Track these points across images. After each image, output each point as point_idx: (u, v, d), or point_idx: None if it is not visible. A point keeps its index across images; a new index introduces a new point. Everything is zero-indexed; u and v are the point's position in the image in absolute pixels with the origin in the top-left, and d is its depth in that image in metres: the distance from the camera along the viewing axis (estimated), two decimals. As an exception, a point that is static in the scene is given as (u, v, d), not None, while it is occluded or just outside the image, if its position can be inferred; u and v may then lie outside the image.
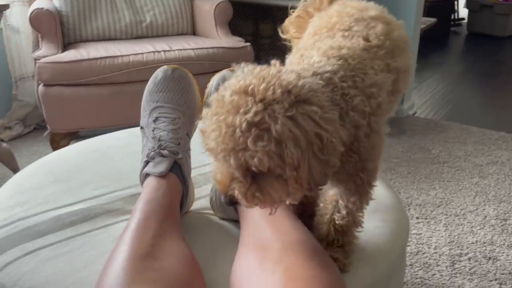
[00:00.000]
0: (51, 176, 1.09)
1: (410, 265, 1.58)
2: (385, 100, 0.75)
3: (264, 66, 0.67)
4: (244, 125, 0.60)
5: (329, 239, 0.82)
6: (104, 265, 0.74)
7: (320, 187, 0.67)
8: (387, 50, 0.79)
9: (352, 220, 0.80)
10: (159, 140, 0.93)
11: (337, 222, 0.80)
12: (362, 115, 0.70)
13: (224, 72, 1.13)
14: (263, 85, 0.62)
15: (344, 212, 0.79)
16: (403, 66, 0.82)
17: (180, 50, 2.29)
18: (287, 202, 0.68)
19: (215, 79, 1.11)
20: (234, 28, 2.72)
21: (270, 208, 0.69)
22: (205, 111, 0.66)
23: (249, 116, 0.60)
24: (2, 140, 2.07)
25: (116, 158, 1.18)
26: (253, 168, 0.62)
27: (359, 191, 0.76)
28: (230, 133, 0.60)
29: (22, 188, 1.05)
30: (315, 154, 0.62)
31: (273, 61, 0.69)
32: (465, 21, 5.97)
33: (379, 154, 0.76)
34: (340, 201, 0.80)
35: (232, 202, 0.67)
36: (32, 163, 1.18)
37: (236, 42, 2.49)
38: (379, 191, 1.05)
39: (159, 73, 1.04)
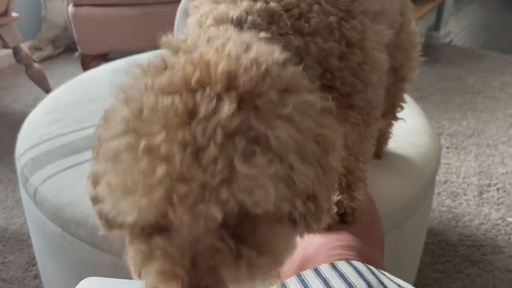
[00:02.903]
0: (86, 95, 1.11)
1: (438, 193, 1.58)
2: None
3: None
4: (219, 133, 0.35)
5: None
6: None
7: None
8: None
9: (355, 157, 0.61)
10: None
11: None
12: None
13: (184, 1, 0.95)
14: (224, 64, 0.37)
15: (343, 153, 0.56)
16: None
17: (210, -30, 2.22)
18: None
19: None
20: None
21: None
22: (108, 143, 0.38)
23: (224, 116, 0.35)
24: (34, 61, 2.09)
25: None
26: (247, 214, 0.37)
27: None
28: (192, 155, 0.34)
29: (58, 106, 1.07)
30: (322, 168, 0.42)
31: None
32: None
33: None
34: None
35: None
36: (67, 83, 1.19)
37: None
38: (412, 117, 1.03)
39: (191, -10, 1.01)
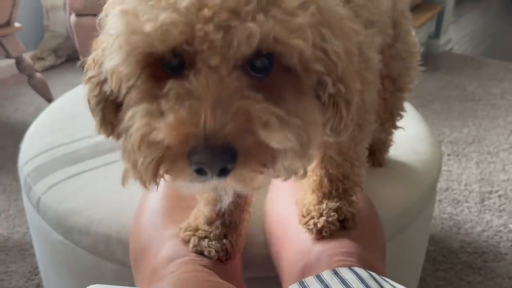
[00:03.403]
0: (88, 104, 1.11)
1: (439, 200, 1.58)
2: None
3: None
4: None
5: (325, 191, 0.62)
6: (142, 195, 0.76)
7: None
8: None
9: (350, 163, 0.60)
10: None
11: (330, 171, 0.61)
12: None
13: None
14: None
15: (338, 159, 0.59)
16: None
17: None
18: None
19: None
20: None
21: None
22: None
23: None
24: (36, 71, 2.10)
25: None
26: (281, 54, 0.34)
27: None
28: None
29: (60, 115, 1.08)
30: (349, 57, 0.40)
31: None
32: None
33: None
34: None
35: (232, 155, 0.33)
36: (69, 92, 1.20)
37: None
38: (412, 124, 1.04)
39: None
